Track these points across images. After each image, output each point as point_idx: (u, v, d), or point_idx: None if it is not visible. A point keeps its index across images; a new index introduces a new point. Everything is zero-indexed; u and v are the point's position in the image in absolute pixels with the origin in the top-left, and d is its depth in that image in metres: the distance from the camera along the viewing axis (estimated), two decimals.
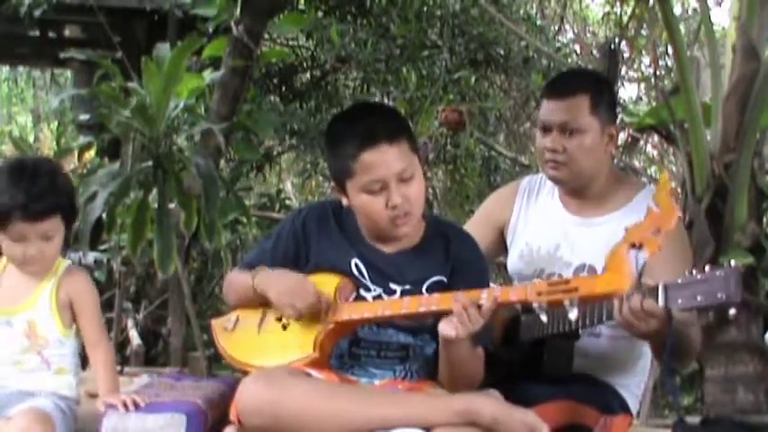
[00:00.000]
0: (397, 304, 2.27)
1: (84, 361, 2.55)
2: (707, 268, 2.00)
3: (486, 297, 2.11)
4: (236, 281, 2.48)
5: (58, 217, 2.39)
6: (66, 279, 2.45)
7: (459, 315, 2.10)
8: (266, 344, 2.36)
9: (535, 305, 2.07)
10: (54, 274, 2.45)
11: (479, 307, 2.10)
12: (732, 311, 1.94)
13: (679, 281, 2.03)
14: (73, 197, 2.50)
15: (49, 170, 2.41)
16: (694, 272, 2.01)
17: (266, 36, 5.75)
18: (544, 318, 2.07)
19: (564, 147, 2.51)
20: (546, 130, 2.55)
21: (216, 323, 2.50)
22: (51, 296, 2.43)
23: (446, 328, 2.12)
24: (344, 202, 2.37)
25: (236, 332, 2.44)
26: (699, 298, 1.98)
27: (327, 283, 2.34)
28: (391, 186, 2.25)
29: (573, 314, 2.03)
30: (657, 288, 2.05)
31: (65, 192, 2.42)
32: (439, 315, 2.18)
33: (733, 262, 1.98)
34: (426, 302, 2.23)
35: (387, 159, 2.24)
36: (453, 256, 2.39)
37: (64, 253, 2.58)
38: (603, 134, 2.54)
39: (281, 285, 2.31)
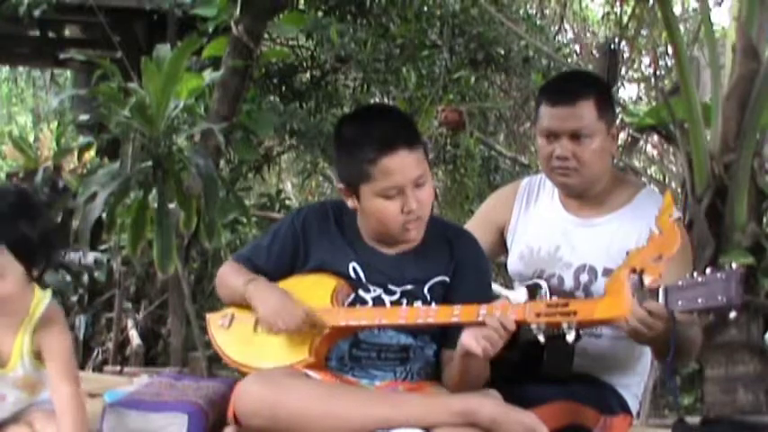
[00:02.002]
0: (395, 314, 2.27)
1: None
2: (708, 270, 1.99)
3: (485, 314, 2.12)
4: (229, 280, 2.46)
5: (3, 250, 2.07)
6: (39, 331, 2.17)
7: (490, 337, 2.09)
8: (262, 345, 2.35)
9: (533, 326, 2.08)
10: (29, 322, 2.16)
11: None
12: (732, 314, 1.94)
13: (680, 283, 2.02)
14: (31, 226, 2.11)
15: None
16: (695, 274, 2.01)
17: (266, 36, 5.75)
18: (541, 338, 2.08)
19: (574, 153, 2.47)
20: (552, 137, 2.49)
21: (211, 318, 2.49)
22: (32, 353, 2.18)
23: (472, 344, 2.12)
24: (351, 204, 2.35)
25: (232, 330, 2.43)
26: (699, 300, 1.98)
27: (324, 285, 2.34)
28: (407, 192, 2.25)
29: (570, 336, 2.05)
30: (658, 290, 2.05)
31: (8, 219, 2.08)
32: (437, 327, 2.18)
33: (734, 264, 1.97)
34: (424, 314, 2.23)
35: (406, 165, 2.24)
36: (456, 256, 2.39)
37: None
38: (608, 136, 2.53)
39: (268, 304, 2.31)
